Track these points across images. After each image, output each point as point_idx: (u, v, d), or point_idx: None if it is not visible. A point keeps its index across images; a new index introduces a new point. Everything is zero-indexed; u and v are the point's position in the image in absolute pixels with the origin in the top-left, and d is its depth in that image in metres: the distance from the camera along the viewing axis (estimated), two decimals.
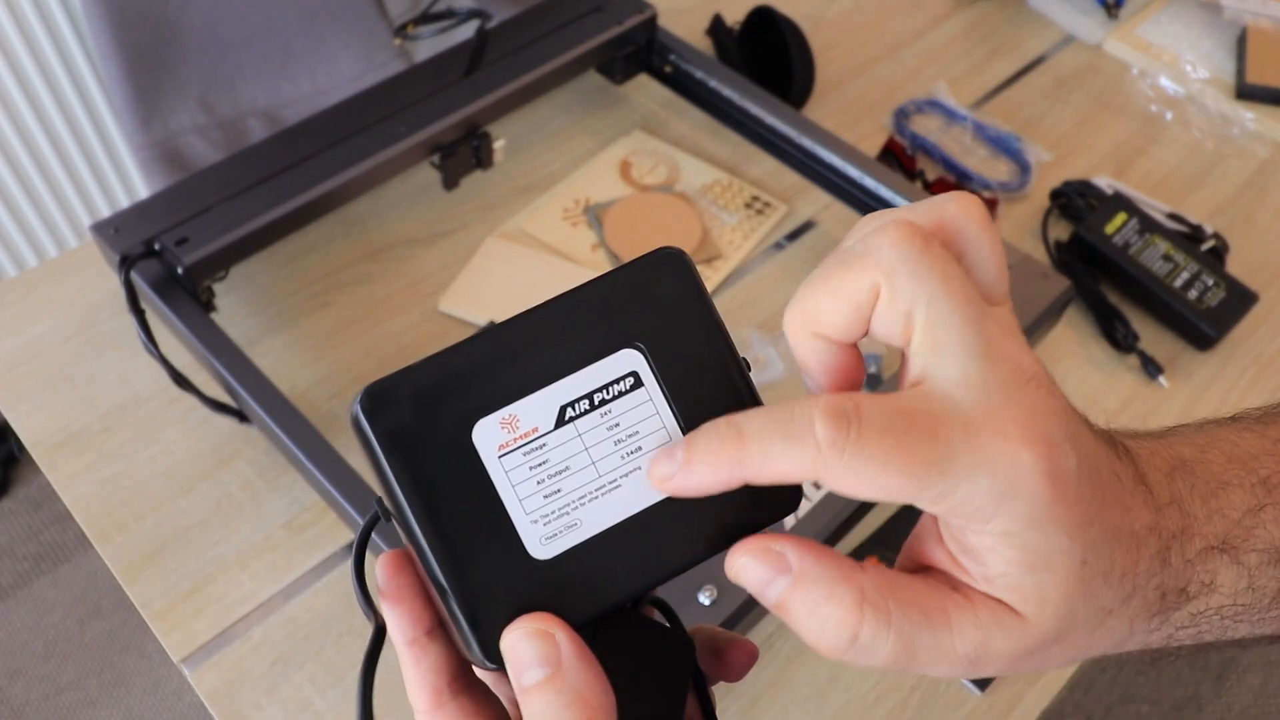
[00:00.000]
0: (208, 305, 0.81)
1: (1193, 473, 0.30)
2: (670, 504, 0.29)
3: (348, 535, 0.74)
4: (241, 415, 0.76)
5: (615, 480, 0.28)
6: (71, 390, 0.80)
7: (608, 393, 0.28)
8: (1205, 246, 0.93)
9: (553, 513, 0.28)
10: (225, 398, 0.76)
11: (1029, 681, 0.70)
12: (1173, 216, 0.96)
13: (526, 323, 0.29)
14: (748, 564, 0.28)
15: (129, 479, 0.76)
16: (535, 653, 0.27)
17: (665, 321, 0.29)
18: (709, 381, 0.30)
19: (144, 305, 0.76)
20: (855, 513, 0.74)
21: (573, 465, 0.28)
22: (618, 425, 0.28)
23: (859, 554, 0.74)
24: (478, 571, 0.28)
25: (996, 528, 0.26)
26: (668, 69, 1.00)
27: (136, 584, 0.71)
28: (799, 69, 1.02)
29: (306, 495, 0.75)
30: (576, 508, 0.28)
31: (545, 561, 0.28)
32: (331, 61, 1.39)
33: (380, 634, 0.30)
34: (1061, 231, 0.96)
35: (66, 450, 0.77)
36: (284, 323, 0.85)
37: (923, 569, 0.29)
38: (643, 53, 1.00)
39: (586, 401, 0.28)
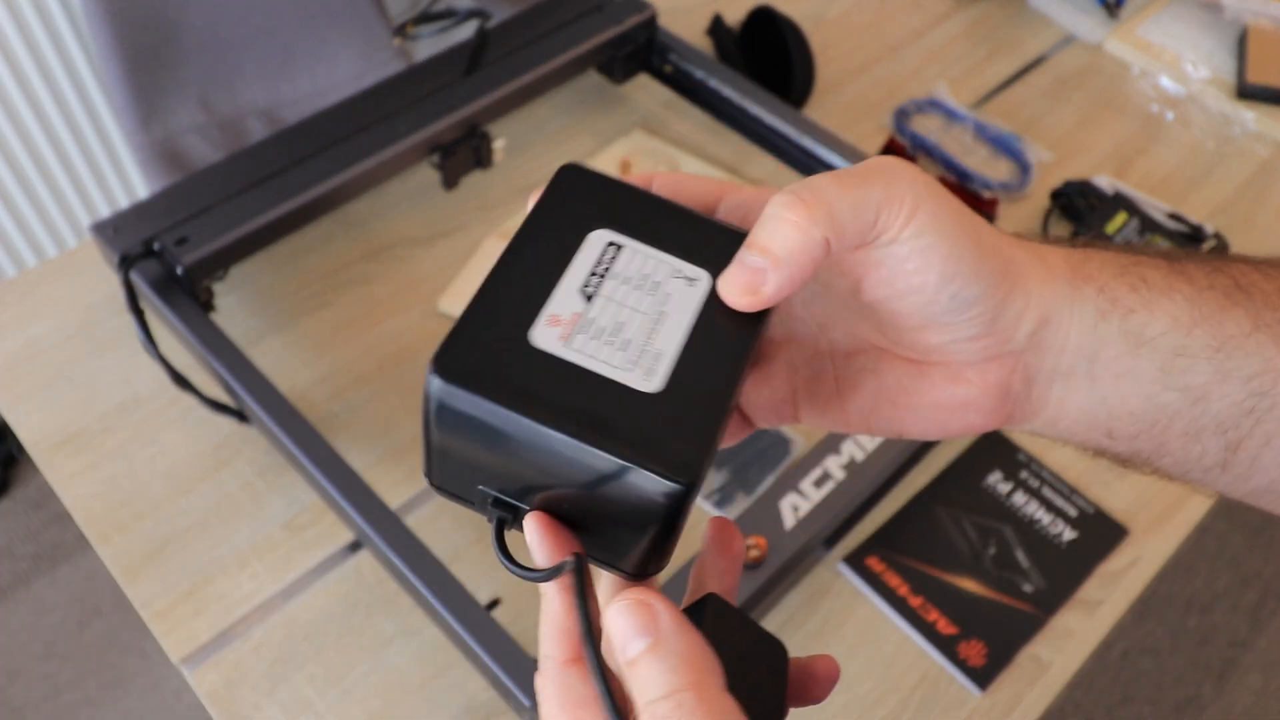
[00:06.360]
0: (207, 305, 0.81)
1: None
2: (709, 305, 0.32)
3: (348, 535, 0.74)
4: (241, 415, 0.76)
5: (661, 311, 0.32)
6: (71, 390, 0.80)
7: (603, 264, 0.33)
8: (1206, 246, 0.93)
9: (637, 355, 0.31)
10: (225, 398, 0.76)
11: (1029, 681, 0.70)
12: (1173, 216, 0.96)
13: (507, 263, 0.32)
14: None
15: (129, 479, 0.76)
16: (634, 623, 0.28)
17: (600, 205, 0.34)
18: (672, 217, 0.34)
19: (144, 305, 0.76)
20: (856, 511, 0.74)
21: (624, 318, 0.32)
22: (629, 278, 0.32)
23: (859, 554, 0.74)
24: (624, 430, 0.29)
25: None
26: (668, 69, 1.00)
27: (136, 584, 0.71)
28: (799, 69, 1.02)
29: (306, 495, 0.75)
30: (650, 341, 0.31)
31: (661, 392, 0.30)
32: (331, 61, 1.39)
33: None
34: (1062, 231, 0.96)
35: (66, 450, 0.77)
36: (284, 323, 0.85)
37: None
38: (643, 53, 1.00)
39: (595, 277, 0.32)
